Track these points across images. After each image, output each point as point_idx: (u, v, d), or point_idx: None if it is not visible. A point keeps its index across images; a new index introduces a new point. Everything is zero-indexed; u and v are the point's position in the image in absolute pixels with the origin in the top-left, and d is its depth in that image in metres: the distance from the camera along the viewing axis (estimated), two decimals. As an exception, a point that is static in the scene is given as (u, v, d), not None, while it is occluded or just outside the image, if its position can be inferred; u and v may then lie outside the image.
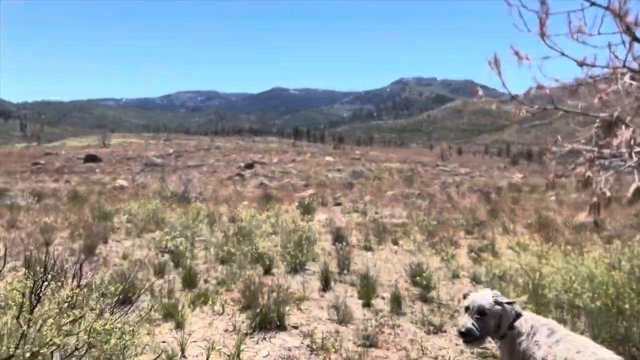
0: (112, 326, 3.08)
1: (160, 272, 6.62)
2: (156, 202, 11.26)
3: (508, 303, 2.93)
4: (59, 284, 3.45)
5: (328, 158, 46.63)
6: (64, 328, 2.90)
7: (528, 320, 2.87)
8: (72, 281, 3.41)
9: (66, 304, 3.12)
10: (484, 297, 2.94)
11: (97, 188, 19.46)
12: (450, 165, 42.19)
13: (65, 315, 2.95)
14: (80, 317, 3.02)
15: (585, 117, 4.25)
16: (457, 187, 21.69)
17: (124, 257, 7.57)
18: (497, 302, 2.91)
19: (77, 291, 3.14)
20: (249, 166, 33.41)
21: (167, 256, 7.62)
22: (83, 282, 3.43)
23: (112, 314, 3.37)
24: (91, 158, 50.24)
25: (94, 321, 3.02)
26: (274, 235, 9.71)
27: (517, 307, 2.98)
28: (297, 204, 14.06)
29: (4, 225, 9.80)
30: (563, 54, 4.24)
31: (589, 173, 3.87)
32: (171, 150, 61.52)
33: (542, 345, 2.67)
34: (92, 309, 3.26)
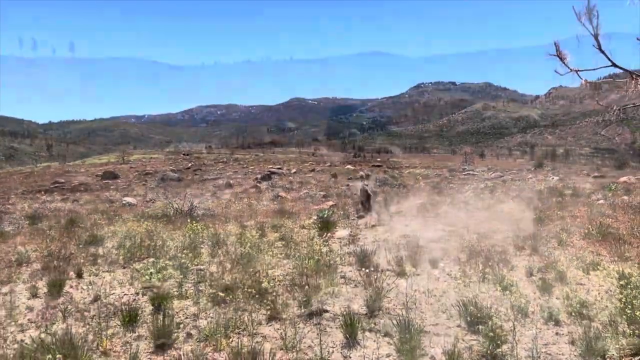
0: None
1: (130, 321, 5.02)
2: (147, 224, 9.69)
3: None
4: None
5: (349, 166, 44.93)
6: None
7: None
8: None
9: None
10: None
11: (102, 207, 18.08)
12: (478, 169, 40.01)
13: None
14: None
15: None
16: (491, 192, 19.73)
17: (96, 298, 5.99)
18: None
19: None
20: (266, 177, 31.87)
21: (150, 294, 6.03)
22: None
23: None
24: (109, 175, 49.54)
25: None
26: (285, 260, 8.08)
27: None
28: (315, 217, 12.41)
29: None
30: None
31: None
32: (189, 164, 60.70)
33: None
34: None
